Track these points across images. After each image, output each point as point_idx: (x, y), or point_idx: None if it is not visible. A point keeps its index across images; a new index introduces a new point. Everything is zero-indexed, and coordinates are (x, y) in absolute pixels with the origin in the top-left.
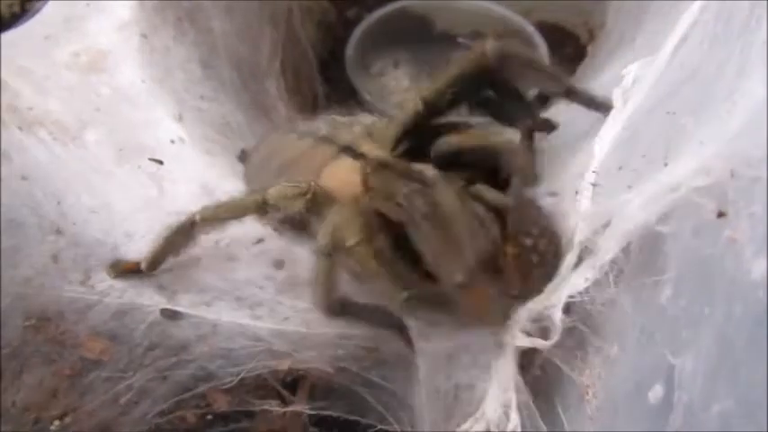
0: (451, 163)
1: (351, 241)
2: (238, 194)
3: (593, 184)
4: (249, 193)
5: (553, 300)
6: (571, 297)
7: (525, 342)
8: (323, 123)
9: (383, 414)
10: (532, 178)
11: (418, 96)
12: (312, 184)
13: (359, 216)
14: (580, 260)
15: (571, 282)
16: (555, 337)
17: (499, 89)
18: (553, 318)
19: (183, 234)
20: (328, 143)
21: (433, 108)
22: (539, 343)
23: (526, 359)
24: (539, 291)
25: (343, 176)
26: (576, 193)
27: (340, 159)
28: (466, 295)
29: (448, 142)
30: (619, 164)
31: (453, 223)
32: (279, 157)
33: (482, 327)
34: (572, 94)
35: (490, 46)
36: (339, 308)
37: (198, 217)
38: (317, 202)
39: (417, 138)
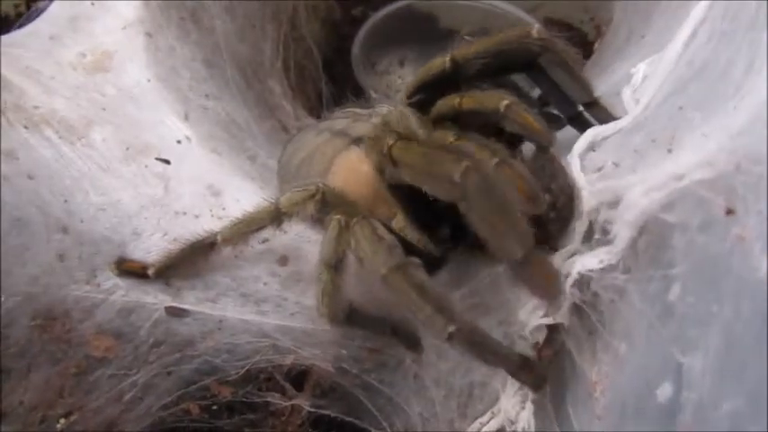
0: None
1: (383, 270)
2: (252, 208)
3: (600, 168)
4: (262, 204)
5: (565, 268)
6: (581, 274)
7: (544, 320)
8: (342, 117)
9: (378, 418)
10: (546, 140)
11: (449, 55)
12: (320, 185)
13: (380, 240)
14: (590, 232)
15: (584, 260)
16: (565, 305)
17: (540, 80)
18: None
19: (200, 252)
20: (342, 136)
21: (460, 70)
22: (559, 317)
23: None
24: (553, 248)
25: (351, 166)
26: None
27: (350, 150)
28: (528, 270)
29: (449, 103)
30: (624, 146)
31: (505, 197)
32: (298, 155)
33: (546, 298)
34: (593, 108)
35: (538, 29)
36: (346, 317)
37: (219, 237)
38: (328, 201)
39: (433, 94)
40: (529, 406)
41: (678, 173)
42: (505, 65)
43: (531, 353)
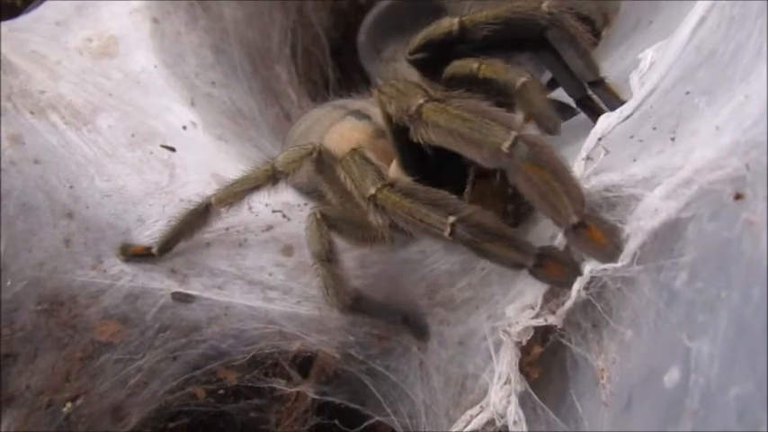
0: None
1: (372, 189)
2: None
3: (606, 150)
4: (258, 165)
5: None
6: (593, 274)
7: (533, 322)
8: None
9: (382, 404)
10: (552, 124)
11: (457, 18)
12: (317, 144)
13: (369, 163)
14: None
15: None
16: (568, 305)
17: (548, 60)
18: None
19: (197, 217)
20: (340, 109)
21: (466, 34)
22: (551, 320)
23: (537, 343)
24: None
25: (344, 134)
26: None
27: (345, 121)
28: (584, 234)
29: (467, 66)
30: (628, 134)
31: (555, 166)
32: (301, 127)
33: (606, 260)
34: (598, 86)
35: (548, 3)
36: (354, 303)
37: (213, 199)
38: (324, 161)
39: (436, 55)
40: (514, 400)
41: (689, 177)
42: (513, 36)
43: (515, 351)
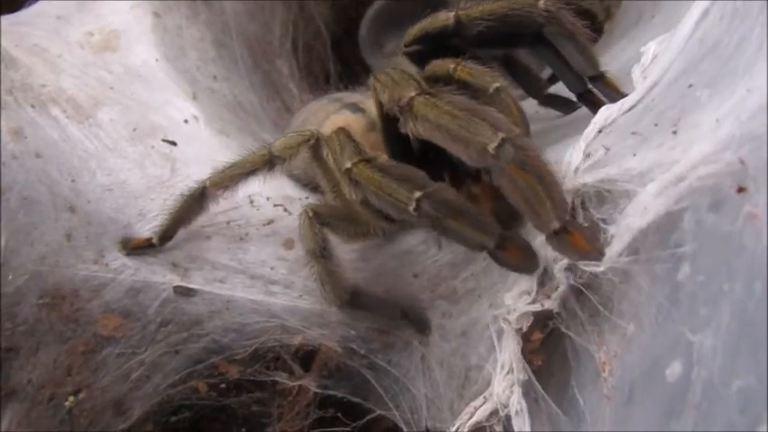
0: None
1: (348, 163)
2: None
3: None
4: (255, 149)
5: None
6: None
7: (531, 308)
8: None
9: (383, 398)
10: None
11: (453, 12)
12: (315, 130)
13: (350, 140)
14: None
15: None
16: (556, 292)
17: (547, 56)
18: (553, 271)
19: (194, 202)
20: (335, 102)
21: (461, 29)
22: (548, 304)
23: (537, 329)
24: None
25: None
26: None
27: (340, 113)
28: (566, 239)
29: (444, 67)
30: (629, 127)
31: (539, 170)
32: (298, 119)
33: (590, 260)
34: (598, 81)
35: (545, 0)
36: (351, 299)
37: (208, 182)
38: (321, 148)
39: (432, 48)
40: (517, 389)
41: (682, 173)
42: (509, 33)
43: (517, 339)
